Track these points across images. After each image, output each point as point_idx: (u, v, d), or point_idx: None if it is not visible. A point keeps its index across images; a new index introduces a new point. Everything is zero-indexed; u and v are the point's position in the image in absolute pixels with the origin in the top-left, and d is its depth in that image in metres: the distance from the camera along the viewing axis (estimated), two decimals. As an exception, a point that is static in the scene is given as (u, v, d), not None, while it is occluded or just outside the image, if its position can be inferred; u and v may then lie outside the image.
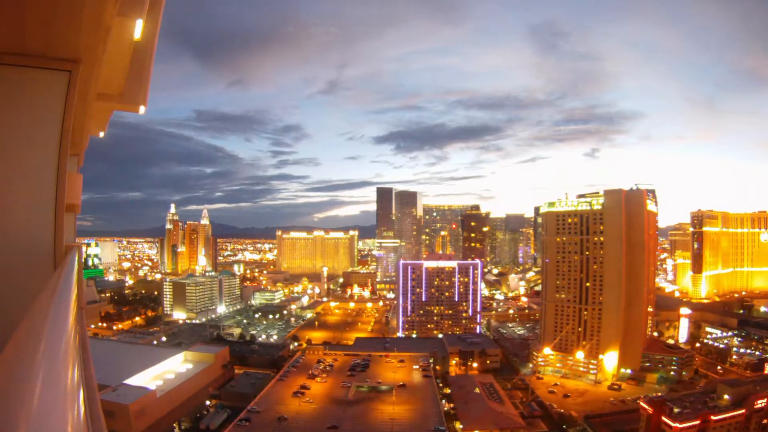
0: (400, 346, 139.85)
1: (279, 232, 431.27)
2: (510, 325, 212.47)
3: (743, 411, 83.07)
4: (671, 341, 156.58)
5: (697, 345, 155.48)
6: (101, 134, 10.98)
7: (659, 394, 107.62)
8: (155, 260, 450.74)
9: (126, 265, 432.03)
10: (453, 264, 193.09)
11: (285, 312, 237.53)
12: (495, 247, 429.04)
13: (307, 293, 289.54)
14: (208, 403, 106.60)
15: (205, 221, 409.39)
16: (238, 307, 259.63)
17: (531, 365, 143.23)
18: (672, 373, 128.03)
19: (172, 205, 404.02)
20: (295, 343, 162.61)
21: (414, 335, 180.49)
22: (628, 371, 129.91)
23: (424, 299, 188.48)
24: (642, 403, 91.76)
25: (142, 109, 8.71)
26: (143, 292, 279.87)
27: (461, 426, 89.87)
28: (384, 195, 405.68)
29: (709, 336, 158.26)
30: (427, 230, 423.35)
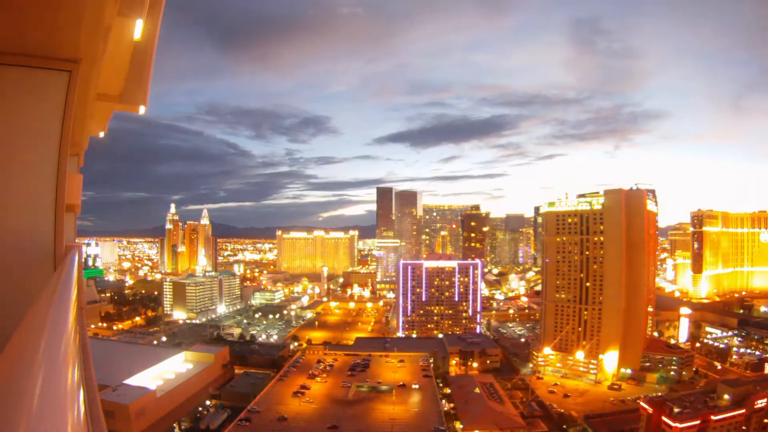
0: (400, 346, 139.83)
1: (279, 232, 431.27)
2: (510, 325, 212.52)
3: (743, 411, 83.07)
4: (671, 341, 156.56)
5: (697, 345, 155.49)
6: (101, 134, 10.98)
7: (659, 394, 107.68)
8: (155, 260, 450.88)
9: (126, 265, 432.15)
10: (453, 264, 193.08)
11: (285, 312, 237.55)
12: (495, 247, 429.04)
13: (307, 293, 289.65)
14: (208, 403, 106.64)
15: (205, 221, 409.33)
16: (238, 307, 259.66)
17: (531, 365, 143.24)
18: (672, 373, 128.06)
19: (172, 205, 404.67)
20: (295, 343, 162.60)
21: (414, 335, 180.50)
22: (628, 371, 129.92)
23: (424, 299, 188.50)
24: (642, 403, 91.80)
25: (142, 109, 8.72)
26: (143, 292, 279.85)
27: (461, 426, 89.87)
28: (384, 195, 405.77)
29: (709, 336, 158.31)
30: (427, 230, 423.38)
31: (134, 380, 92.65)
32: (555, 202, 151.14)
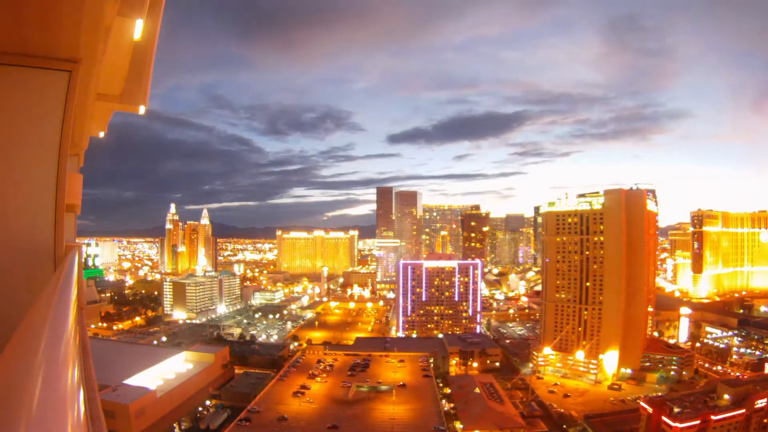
0: (400, 346, 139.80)
1: (279, 232, 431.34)
2: (510, 325, 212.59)
3: (743, 411, 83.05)
4: (671, 341, 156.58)
5: (697, 345, 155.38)
6: (101, 134, 10.98)
7: (659, 393, 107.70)
8: (155, 260, 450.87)
9: (126, 265, 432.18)
10: (453, 264, 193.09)
11: (285, 312, 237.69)
12: (495, 247, 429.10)
13: (307, 293, 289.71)
14: (208, 403, 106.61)
15: (205, 221, 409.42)
16: (238, 307, 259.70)
17: (531, 365, 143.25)
18: (672, 372, 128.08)
19: (173, 205, 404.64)
20: (295, 343, 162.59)
21: (414, 335, 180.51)
22: (628, 371, 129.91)
23: (424, 299, 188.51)
24: (642, 403, 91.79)
25: (142, 109, 8.72)
26: (143, 292, 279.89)
27: (461, 426, 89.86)
28: (384, 195, 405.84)
29: (709, 336, 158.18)
30: (427, 230, 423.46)
31: (134, 380, 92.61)
32: (555, 202, 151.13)
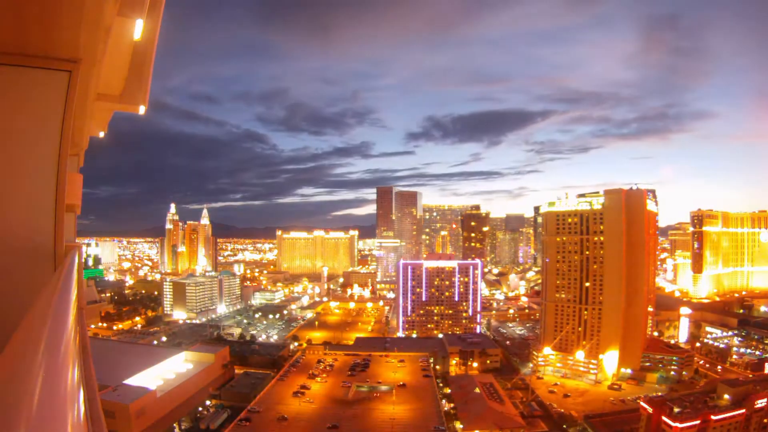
0: (401, 346, 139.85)
1: (279, 232, 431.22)
2: (510, 325, 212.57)
3: (743, 411, 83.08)
4: (671, 341, 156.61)
5: (697, 345, 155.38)
6: (101, 134, 10.99)
7: (659, 393, 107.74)
8: (155, 260, 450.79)
9: (126, 265, 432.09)
10: (453, 264, 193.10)
11: (285, 312, 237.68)
12: (495, 247, 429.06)
13: (307, 293, 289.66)
14: (208, 403, 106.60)
15: (205, 221, 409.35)
16: (238, 307, 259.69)
17: (531, 365, 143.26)
18: (672, 372, 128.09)
19: (173, 205, 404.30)
20: (295, 343, 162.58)
21: (414, 335, 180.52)
22: (628, 371, 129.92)
23: (424, 299, 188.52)
24: (642, 403, 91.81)
25: (142, 109, 8.72)
26: (143, 292, 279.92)
27: (461, 426, 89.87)
28: (384, 195, 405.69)
29: (709, 336, 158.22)
30: (427, 230, 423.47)
31: (134, 380, 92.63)
32: (555, 202, 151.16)
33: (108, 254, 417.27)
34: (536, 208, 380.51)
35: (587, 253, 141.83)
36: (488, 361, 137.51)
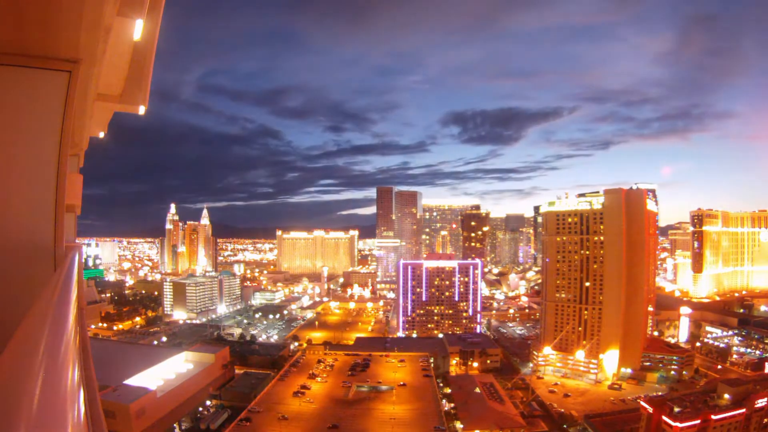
0: (401, 346, 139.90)
1: (279, 232, 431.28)
2: (510, 325, 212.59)
3: (743, 410, 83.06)
4: (671, 340, 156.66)
5: (698, 344, 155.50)
6: (101, 134, 10.99)
7: (659, 393, 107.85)
8: (155, 260, 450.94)
9: (126, 265, 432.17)
10: (453, 264, 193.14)
11: (285, 312, 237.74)
12: (495, 247, 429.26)
13: (307, 293, 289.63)
14: (208, 403, 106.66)
15: (205, 221, 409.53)
16: (239, 307, 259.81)
17: (531, 365, 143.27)
18: (672, 372, 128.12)
19: (173, 205, 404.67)
20: (296, 343, 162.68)
21: (414, 335, 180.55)
22: (629, 371, 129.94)
23: (424, 299, 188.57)
24: (642, 403, 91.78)
25: (141, 110, 8.72)
26: (143, 292, 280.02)
27: (461, 426, 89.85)
28: (384, 195, 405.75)
29: (709, 335, 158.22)
30: (427, 230, 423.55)
31: (134, 380, 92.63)
32: (555, 202, 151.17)
33: (108, 254, 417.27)
34: (536, 208, 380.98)
35: (587, 252, 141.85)
36: (488, 361, 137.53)
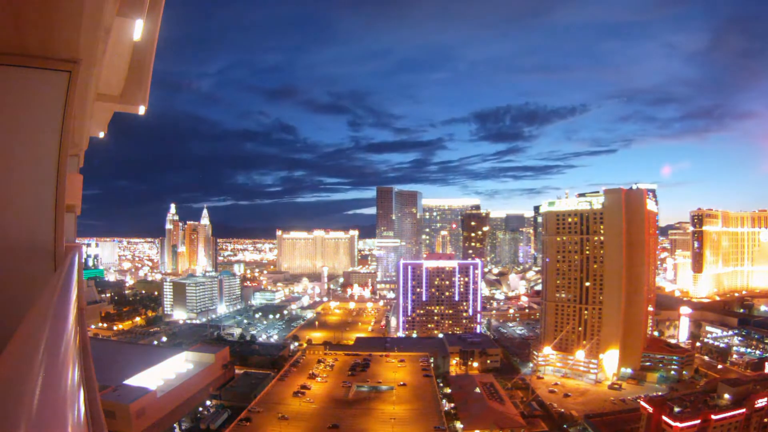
0: (401, 346, 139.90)
1: (279, 232, 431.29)
2: (510, 325, 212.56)
3: (744, 410, 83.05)
4: (672, 340, 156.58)
5: (698, 344, 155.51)
6: (101, 134, 10.99)
7: (660, 393, 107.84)
8: (155, 260, 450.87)
9: (126, 265, 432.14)
10: (453, 264, 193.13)
11: (285, 312, 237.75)
12: (495, 247, 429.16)
13: (307, 293, 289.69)
14: (208, 403, 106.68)
15: (205, 221, 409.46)
16: (239, 307, 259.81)
17: (531, 365, 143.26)
18: (672, 372, 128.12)
19: (173, 205, 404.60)
20: (296, 343, 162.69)
21: (414, 335, 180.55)
22: (629, 370, 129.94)
23: (424, 299, 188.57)
24: (642, 403, 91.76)
25: (141, 110, 8.73)
26: (143, 292, 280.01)
27: (462, 425, 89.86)
28: (384, 195, 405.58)
29: (709, 335, 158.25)
30: (427, 230, 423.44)
31: (134, 380, 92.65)
32: (555, 202, 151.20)
33: (108, 254, 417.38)
34: (536, 208, 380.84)
35: (587, 252, 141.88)
36: (488, 361, 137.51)
